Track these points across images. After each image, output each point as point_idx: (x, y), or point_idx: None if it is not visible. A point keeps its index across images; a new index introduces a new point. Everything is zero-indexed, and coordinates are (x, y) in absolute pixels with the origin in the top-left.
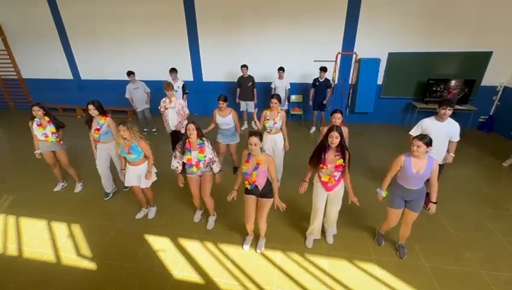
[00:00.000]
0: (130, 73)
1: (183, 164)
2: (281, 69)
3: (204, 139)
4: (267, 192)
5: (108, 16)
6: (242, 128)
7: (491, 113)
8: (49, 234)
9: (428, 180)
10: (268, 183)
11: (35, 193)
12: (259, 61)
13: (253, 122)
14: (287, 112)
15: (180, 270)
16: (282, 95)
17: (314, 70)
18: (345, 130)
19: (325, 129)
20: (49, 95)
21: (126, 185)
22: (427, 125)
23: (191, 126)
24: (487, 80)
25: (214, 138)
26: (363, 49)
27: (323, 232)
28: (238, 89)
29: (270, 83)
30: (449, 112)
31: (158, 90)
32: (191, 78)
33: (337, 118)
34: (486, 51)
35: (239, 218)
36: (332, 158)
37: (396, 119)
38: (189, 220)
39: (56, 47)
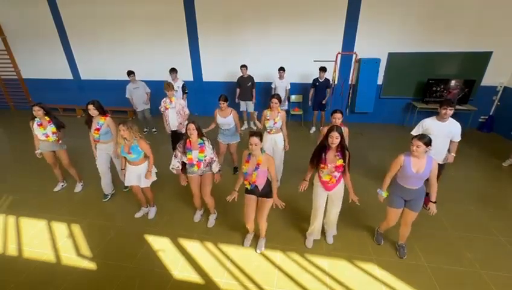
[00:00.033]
0: (130, 73)
1: (184, 164)
2: (282, 69)
3: (204, 138)
4: (267, 192)
5: (108, 16)
6: (242, 128)
7: (491, 113)
8: (49, 234)
9: (427, 180)
10: (269, 184)
11: (35, 193)
12: (259, 61)
13: (252, 122)
14: (287, 112)
15: (180, 270)
16: (283, 95)
17: (314, 70)
18: (345, 130)
19: (325, 129)
20: (49, 95)
21: (126, 184)
22: (429, 125)
23: (192, 126)
24: (487, 80)
25: (214, 137)
26: (363, 49)
27: (323, 232)
28: (238, 89)
29: (271, 83)
30: (450, 112)
31: (158, 90)
32: (191, 78)
33: (337, 118)
34: (486, 51)
35: (239, 218)
36: (332, 158)
37: (396, 119)
38: (189, 220)
39: (56, 47)
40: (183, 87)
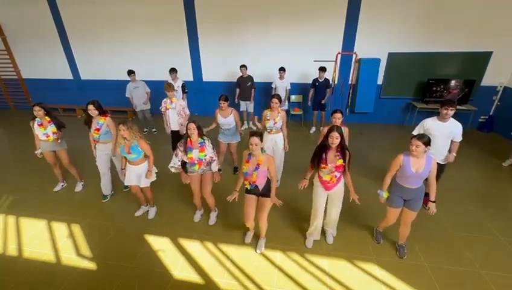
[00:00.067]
0: (130, 72)
1: (184, 163)
2: (282, 69)
3: (205, 138)
4: (267, 191)
5: (108, 16)
6: (242, 128)
7: (491, 113)
8: (49, 234)
9: (426, 179)
10: (269, 183)
11: (35, 193)
12: (259, 61)
13: (251, 122)
14: (287, 112)
15: (180, 270)
16: (283, 95)
17: (314, 70)
18: (345, 130)
19: (325, 129)
20: (49, 95)
21: (126, 184)
22: (430, 125)
23: (192, 125)
24: (487, 80)
25: (215, 137)
26: (363, 49)
27: (323, 233)
28: (238, 89)
29: (271, 83)
30: (451, 112)
31: (158, 90)
32: (191, 78)
33: (338, 118)
34: (486, 51)
35: (239, 218)
36: (332, 158)
37: (396, 120)
38: (189, 220)
39: (56, 47)
40: (183, 87)
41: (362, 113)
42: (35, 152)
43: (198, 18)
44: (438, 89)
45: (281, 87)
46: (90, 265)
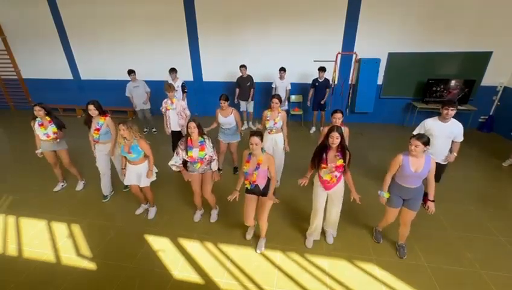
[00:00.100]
0: (130, 72)
1: (185, 162)
2: (282, 69)
3: (205, 137)
4: (267, 191)
5: (108, 16)
6: (242, 128)
7: (491, 113)
8: (49, 234)
9: (425, 179)
10: (269, 183)
11: (35, 193)
12: (259, 61)
13: (251, 122)
14: (287, 112)
15: (180, 270)
16: (283, 95)
17: (314, 70)
18: (345, 130)
19: (325, 129)
20: (49, 95)
21: (125, 183)
22: (430, 125)
23: (192, 124)
24: (487, 80)
25: (215, 136)
26: (363, 49)
27: (322, 233)
28: (237, 89)
29: (271, 83)
30: (452, 112)
31: (158, 90)
32: (191, 78)
33: (338, 118)
34: (486, 51)
35: (239, 218)
36: (332, 158)
37: (396, 120)
38: (189, 220)
39: (56, 47)
40: (183, 87)
41: (362, 113)
42: (36, 152)
43: (198, 18)
44: (438, 89)
45: (281, 87)
46: (90, 265)
